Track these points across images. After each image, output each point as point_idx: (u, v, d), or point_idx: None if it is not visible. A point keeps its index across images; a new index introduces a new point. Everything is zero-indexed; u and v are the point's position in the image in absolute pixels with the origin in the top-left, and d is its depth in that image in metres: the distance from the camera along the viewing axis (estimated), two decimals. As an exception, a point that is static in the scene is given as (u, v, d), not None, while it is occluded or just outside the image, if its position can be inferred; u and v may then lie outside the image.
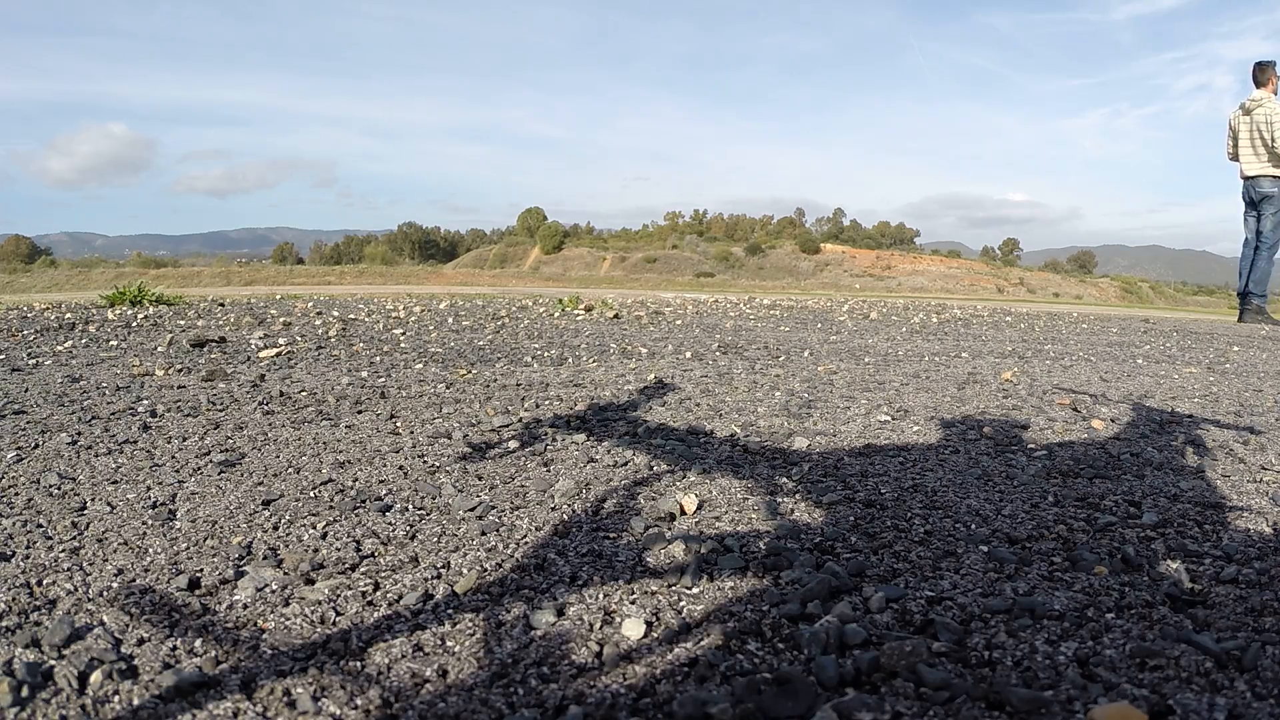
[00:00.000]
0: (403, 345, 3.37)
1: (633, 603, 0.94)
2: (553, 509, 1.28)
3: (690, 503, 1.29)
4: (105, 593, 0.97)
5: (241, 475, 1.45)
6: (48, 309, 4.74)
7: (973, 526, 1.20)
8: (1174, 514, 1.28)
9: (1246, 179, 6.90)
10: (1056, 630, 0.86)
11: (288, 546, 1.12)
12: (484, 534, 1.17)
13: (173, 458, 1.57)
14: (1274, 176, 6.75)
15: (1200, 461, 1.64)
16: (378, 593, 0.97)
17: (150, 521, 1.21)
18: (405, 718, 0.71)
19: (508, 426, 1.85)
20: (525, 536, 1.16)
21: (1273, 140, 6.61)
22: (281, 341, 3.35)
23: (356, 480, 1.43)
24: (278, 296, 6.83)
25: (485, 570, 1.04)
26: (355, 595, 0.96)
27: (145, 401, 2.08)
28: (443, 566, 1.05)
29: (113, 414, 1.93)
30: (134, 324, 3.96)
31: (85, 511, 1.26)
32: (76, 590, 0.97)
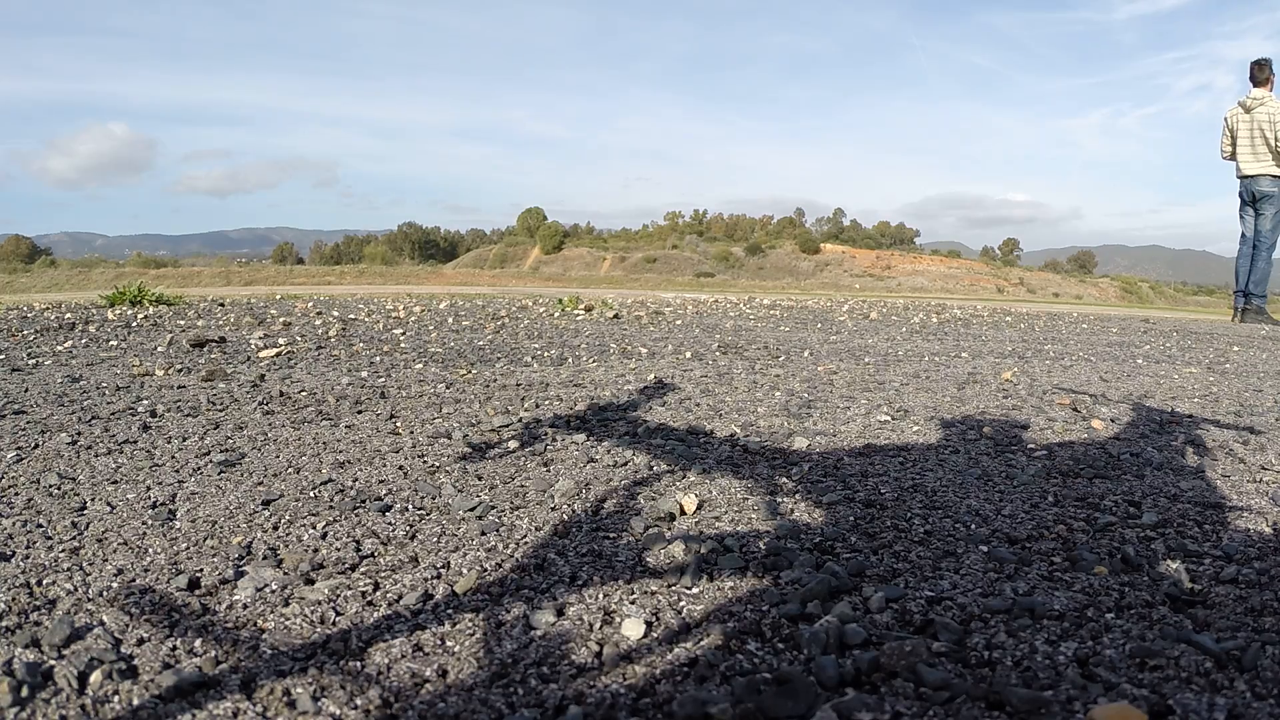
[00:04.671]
0: (403, 345, 3.37)
1: (633, 603, 0.94)
2: (553, 509, 1.28)
3: (690, 503, 1.29)
4: (105, 593, 0.97)
5: (241, 475, 1.45)
6: (48, 309, 4.74)
7: (973, 526, 1.20)
8: (1174, 514, 1.28)
9: (1244, 178, 6.90)
10: (1056, 630, 0.86)
11: (288, 546, 1.12)
12: (484, 534, 1.17)
13: (173, 458, 1.57)
14: (1274, 176, 6.76)
15: (1200, 461, 1.64)
16: (378, 593, 0.97)
17: (150, 521, 1.21)
18: (405, 718, 0.71)
19: (508, 426, 1.85)
20: (525, 536, 1.16)
21: (1275, 140, 6.61)
22: (281, 341, 3.35)
23: (356, 480, 1.43)
24: (278, 296, 6.83)
25: (485, 570, 1.04)
26: (355, 595, 0.96)
27: (145, 401, 2.08)
28: (443, 566, 1.05)
29: (113, 414, 1.93)
30: (134, 324, 3.96)
31: (85, 511, 1.26)
32: (76, 590, 0.97)
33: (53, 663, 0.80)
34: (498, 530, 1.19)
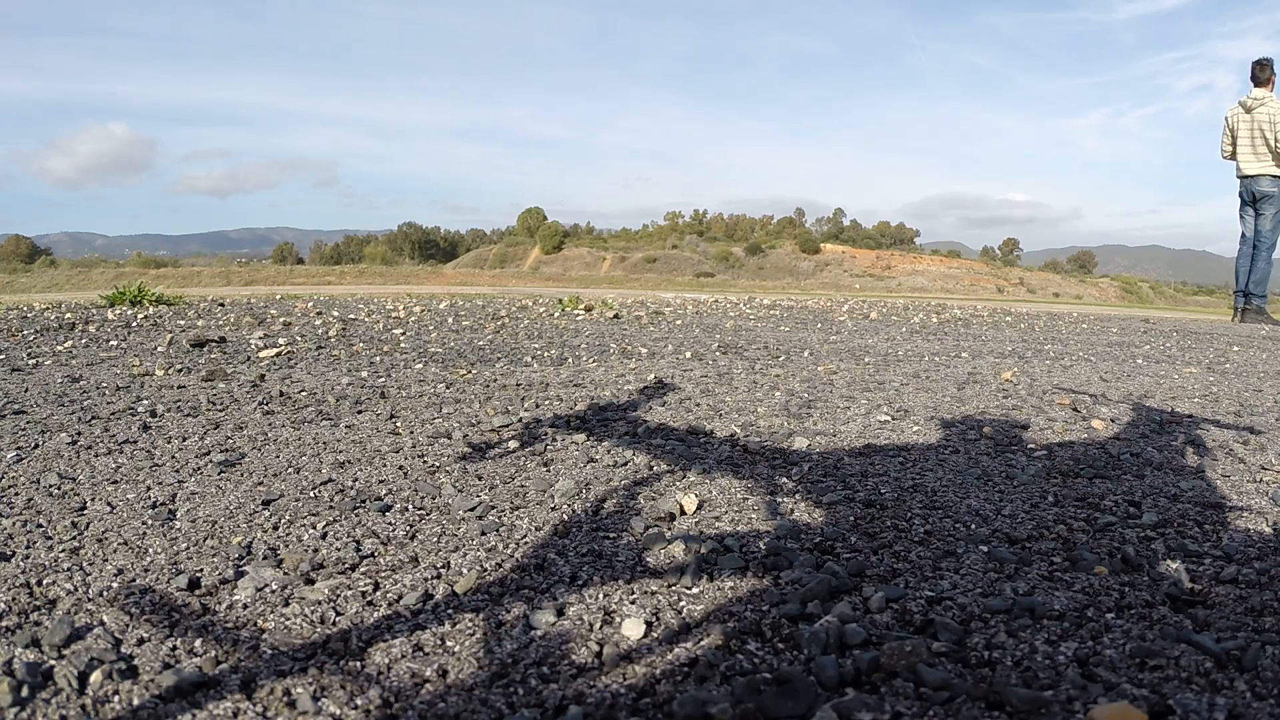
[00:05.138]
0: (403, 345, 3.37)
1: (633, 603, 0.94)
2: (553, 509, 1.28)
3: (690, 503, 1.29)
4: (105, 593, 0.97)
5: (241, 475, 1.45)
6: (48, 309, 4.74)
7: (973, 526, 1.20)
8: (1174, 514, 1.28)
9: (1245, 178, 6.91)
10: (1056, 630, 0.86)
11: (288, 546, 1.12)
12: (484, 534, 1.17)
13: (173, 458, 1.57)
14: (1274, 176, 6.77)
15: (1200, 461, 1.64)
16: (378, 593, 0.97)
17: (150, 521, 1.21)
18: (405, 718, 0.71)
19: (508, 426, 1.85)
20: (525, 536, 1.16)
21: (1275, 140, 6.61)
22: (281, 341, 3.35)
23: (356, 480, 1.43)
24: (278, 296, 6.83)
25: (485, 570, 1.04)
26: (355, 595, 0.96)
27: (145, 401, 2.08)
28: (443, 566, 1.05)
29: (113, 414, 1.93)
30: (134, 324, 3.96)
31: (85, 511, 1.26)
32: (76, 590, 0.97)
33: (53, 663, 0.80)
34: (498, 530, 1.19)
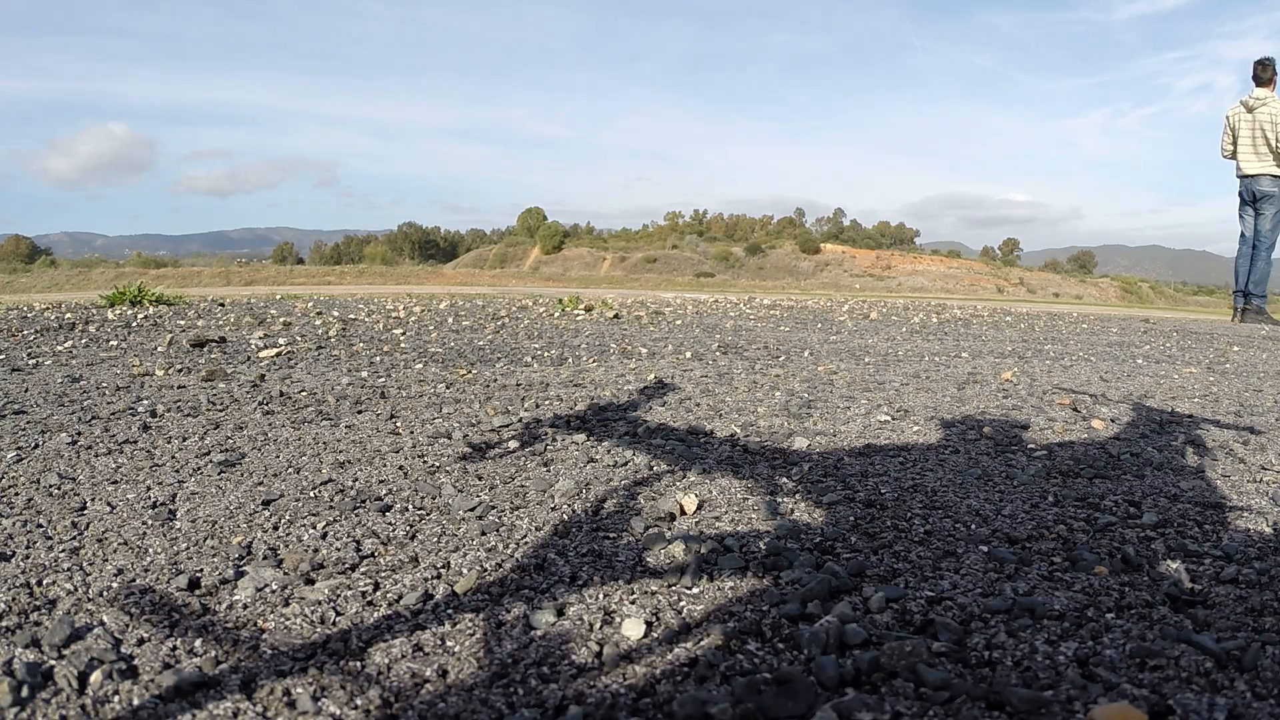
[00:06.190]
0: (403, 345, 3.37)
1: (633, 603, 0.94)
2: (553, 509, 1.28)
3: (690, 503, 1.29)
4: (105, 593, 0.97)
5: (241, 475, 1.45)
6: (48, 309, 4.74)
7: (973, 526, 1.20)
8: (1174, 514, 1.28)
9: (1245, 177, 6.91)
10: (1056, 630, 0.86)
11: (288, 546, 1.12)
12: (484, 534, 1.17)
13: (173, 458, 1.57)
14: (1274, 176, 6.77)
15: (1200, 461, 1.64)
16: (378, 593, 0.97)
17: (150, 521, 1.21)
18: (405, 718, 0.71)
19: (508, 426, 1.85)
20: (525, 536, 1.16)
21: (1276, 140, 6.61)
22: (281, 341, 3.35)
23: (356, 480, 1.43)
24: (278, 296, 6.83)
25: (485, 570, 1.04)
26: (355, 595, 0.96)
27: (145, 401, 2.08)
28: (443, 566, 1.05)
29: (113, 414, 1.93)
30: (134, 324, 3.96)
31: (85, 511, 1.26)
32: (76, 590, 0.97)
33: (53, 663, 0.80)
34: (498, 530, 1.19)
